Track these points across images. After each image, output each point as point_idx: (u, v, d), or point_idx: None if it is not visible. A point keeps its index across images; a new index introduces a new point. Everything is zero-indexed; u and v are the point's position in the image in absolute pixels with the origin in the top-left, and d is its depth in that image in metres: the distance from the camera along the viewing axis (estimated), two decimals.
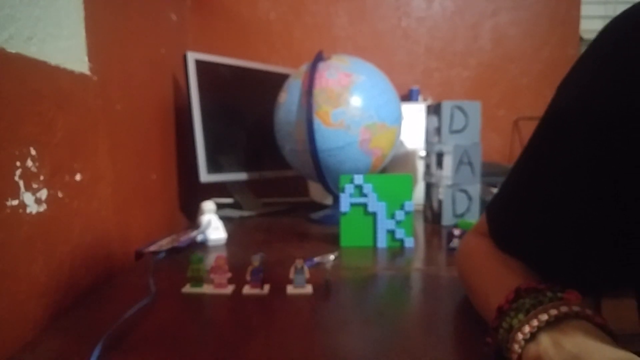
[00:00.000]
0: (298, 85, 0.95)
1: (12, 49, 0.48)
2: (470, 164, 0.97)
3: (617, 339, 0.30)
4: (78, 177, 0.61)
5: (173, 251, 0.75)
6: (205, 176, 1.03)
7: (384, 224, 0.81)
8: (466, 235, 0.53)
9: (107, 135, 0.71)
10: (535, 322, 0.31)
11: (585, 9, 1.39)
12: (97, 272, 0.65)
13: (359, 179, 0.81)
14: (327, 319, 0.48)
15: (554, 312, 0.31)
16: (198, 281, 0.57)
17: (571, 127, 0.34)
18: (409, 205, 0.80)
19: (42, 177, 0.52)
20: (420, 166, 1.18)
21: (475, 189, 0.98)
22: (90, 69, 0.65)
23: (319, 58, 0.96)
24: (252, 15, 1.35)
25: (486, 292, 0.42)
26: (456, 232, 0.76)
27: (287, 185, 1.34)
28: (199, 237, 0.82)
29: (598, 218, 0.33)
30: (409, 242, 0.81)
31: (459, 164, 0.96)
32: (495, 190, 1.05)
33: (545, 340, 0.30)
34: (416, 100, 1.31)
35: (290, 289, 0.56)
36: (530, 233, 0.40)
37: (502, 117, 1.41)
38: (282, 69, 1.24)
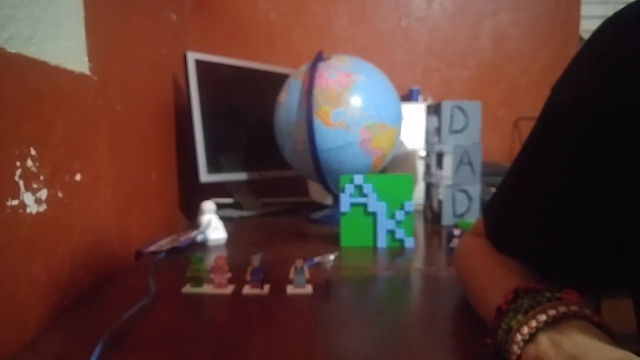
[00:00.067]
0: (298, 85, 0.95)
1: (12, 49, 0.48)
2: (470, 164, 0.97)
3: (616, 338, 0.30)
4: (78, 177, 0.61)
5: (173, 251, 0.75)
6: (205, 176, 1.03)
7: (384, 224, 0.81)
8: (464, 236, 0.53)
9: (107, 135, 0.71)
10: (533, 323, 0.31)
11: (585, 9, 1.39)
12: (97, 272, 0.65)
13: (359, 179, 0.81)
14: (327, 319, 0.48)
15: (552, 312, 0.31)
16: (198, 281, 0.57)
17: (567, 127, 0.34)
18: (409, 205, 0.80)
19: (42, 177, 0.52)
20: (420, 166, 1.18)
21: (475, 189, 0.98)
22: (90, 69, 0.66)
23: (319, 58, 0.96)
24: (252, 15, 1.35)
25: (485, 293, 0.42)
26: (456, 232, 0.76)
27: (287, 185, 1.34)
28: (199, 237, 0.82)
29: (594, 218, 0.33)
30: (409, 242, 0.81)
31: (459, 164, 0.96)
32: (495, 190, 1.05)
33: (544, 341, 0.30)
34: (416, 100, 1.31)
35: (290, 289, 0.56)
36: (527, 233, 0.40)
37: (502, 117, 1.41)
38: (282, 69, 1.24)
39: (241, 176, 1.13)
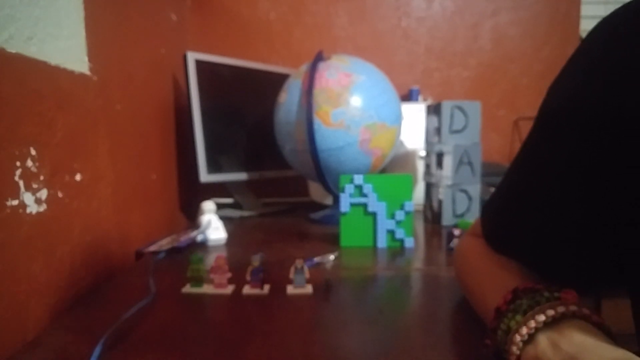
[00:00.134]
0: (298, 85, 0.95)
1: (12, 49, 0.48)
2: (470, 164, 0.97)
3: (615, 338, 0.30)
4: (78, 177, 0.61)
5: (173, 251, 0.75)
6: (205, 176, 1.03)
7: (384, 224, 0.81)
8: (463, 237, 0.53)
9: (107, 135, 0.71)
10: (532, 324, 0.31)
11: (585, 9, 1.39)
12: (97, 272, 0.65)
13: (359, 179, 0.81)
14: (327, 319, 0.48)
15: (551, 312, 0.31)
16: (198, 281, 0.57)
17: (564, 128, 0.34)
18: (409, 205, 0.80)
19: (42, 177, 0.52)
20: (420, 166, 1.18)
21: (475, 189, 0.98)
22: (90, 69, 0.66)
23: (319, 58, 0.96)
24: (252, 15, 1.35)
25: (484, 293, 0.42)
26: (456, 232, 0.76)
27: (287, 185, 1.34)
28: (199, 237, 0.82)
29: (591, 218, 0.33)
30: (409, 242, 0.81)
31: (459, 164, 0.96)
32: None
33: (542, 342, 0.30)
34: (416, 100, 1.31)
35: (290, 289, 0.56)
36: (525, 234, 0.40)
37: (502, 117, 1.41)
38: (282, 69, 1.24)
39: (241, 176, 1.13)
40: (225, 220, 0.93)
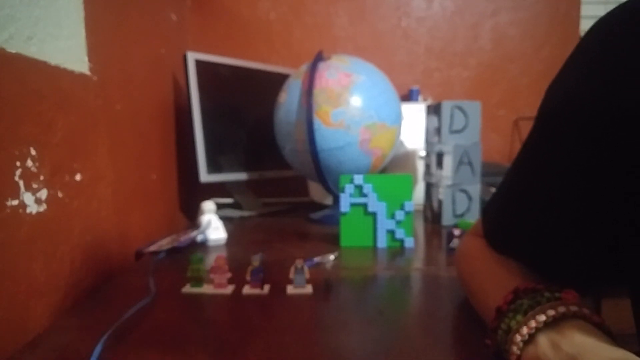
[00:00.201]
0: (298, 85, 0.95)
1: (12, 49, 0.48)
2: (470, 164, 0.97)
3: (616, 338, 0.30)
4: (78, 177, 0.61)
5: (173, 251, 0.75)
6: (205, 176, 1.03)
7: (384, 224, 0.81)
8: (464, 237, 0.53)
9: (107, 135, 0.71)
10: (533, 324, 0.31)
11: (585, 9, 1.39)
12: (97, 272, 0.65)
13: (359, 179, 0.81)
14: (327, 319, 0.48)
15: (551, 312, 0.31)
16: (198, 281, 0.57)
17: (563, 127, 0.34)
18: (409, 205, 0.80)
19: (42, 177, 0.52)
20: (420, 166, 1.18)
21: (475, 189, 0.98)
22: (90, 69, 0.66)
23: (319, 58, 0.96)
24: (252, 15, 1.35)
25: (485, 293, 0.42)
26: (456, 232, 0.76)
27: (287, 185, 1.34)
28: (199, 237, 0.82)
29: (591, 217, 0.33)
30: (409, 242, 0.81)
31: (459, 164, 0.96)
32: (494, 190, 1.05)
33: (543, 342, 0.30)
34: (416, 100, 1.31)
35: (290, 289, 0.56)
36: (525, 234, 0.40)
37: (502, 117, 1.41)
38: (282, 69, 1.24)
39: (241, 176, 1.13)
40: (225, 220, 0.93)
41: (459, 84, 1.40)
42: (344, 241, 0.82)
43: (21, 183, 0.48)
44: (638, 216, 0.30)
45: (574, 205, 0.34)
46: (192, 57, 1.02)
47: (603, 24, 0.33)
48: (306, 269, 0.57)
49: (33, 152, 0.51)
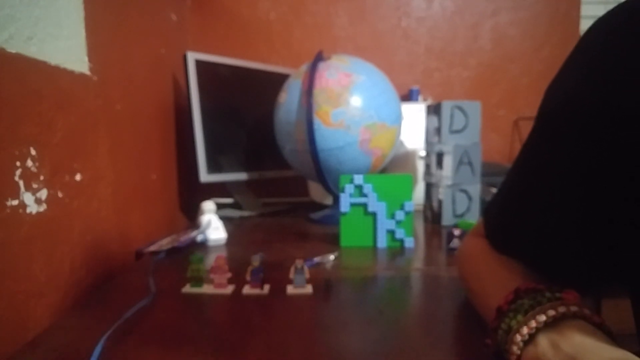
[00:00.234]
0: (298, 85, 0.95)
1: (12, 49, 0.48)
2: (470, 164, 0.97)
3: (616, 338, 0.30)
4: (78, 177, 0.61)
5: (173, 251, 0.75)
6: (205, 176, 1.03)
7: (384, 224, 0.81)
8: (466, 237, 0.53)
9: (107, 135, 0.71)
10: (533, 324, 0.31)
11: (585, 9, 1.39)
12: (97, 272, 0.65)
13: (359, 179, 0.81)
14: (327, 319, 0.48)
15: (551, 312, 0.31)
16: (198, 281, 0.57)
17: (563, 127, 0.34)
18: (409, 205, 0.80)
19: (42, 177, 0.52)
20: (420, 166, 1.18)
21: (475, 189, 0.98)
22: (90, 69, 0.66)
23: (319, 58, 0.96)
24: (252, 15, 1.35)
25: (486, 293, 0.42)
26: (456, 232, 0.76)
27: (287, 185, 1.34)
28: (199, 237, 0.82)
29: (592, 217, 0.33)
30: (409, 242, 0.81)
31: (459, 164, 0.96)
32: (495, 191, 1.05)
33: (543, 342, 0.30)
34: (416, 100, 1.31)
35: (290, 289, 0.56)
36: (526, 234, 0.40)
37: (502, 117, 1.41)
38: (282, 69, 1.24)
39: (241, 176, 1.13)
40: (225, 220, 0.93)
41: (459, 84, 1.40)
42: (344, 241, 0.82)
43: (21, 183, 0.48)
44: (638, 216, 0.30)
45: (574, 206, 0.34)
46: (192, 57, 1.02)
47: (602, 24, 0.33)
48: (306, 269, 0.57)
49: (33, 152, 0.51)
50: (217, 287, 0.57)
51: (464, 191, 0.98)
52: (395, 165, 1.16)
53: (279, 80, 1.11)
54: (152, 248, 0.77)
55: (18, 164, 0.48)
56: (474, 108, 0.97)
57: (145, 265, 0.68)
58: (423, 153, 1.16)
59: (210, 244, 0.82)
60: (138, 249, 0.78)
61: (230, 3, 1.34)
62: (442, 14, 1.37)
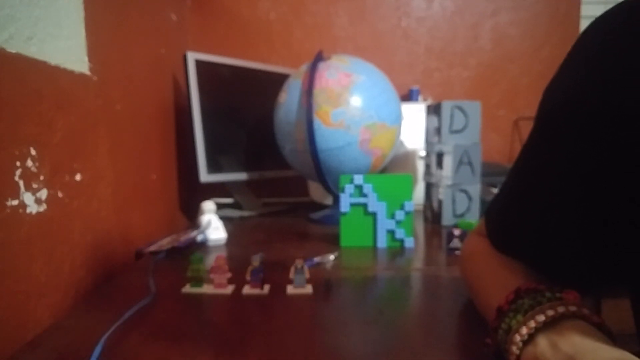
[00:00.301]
0: (298, 85, 0.95)
1: (12, 49, 0.48)
2: (470, 164, 0.97)
3: (615, 338, 0.30)
4: (78, 177, 0.61)
5: (173, 251, 0.75)
6: (205, 176, 1.03)
7: (384, 224, 0.81)
8: (469, 237, 0.53)
9: (107, 135, 0.71)
10: (532, 324, 0.31)
11: (585, 9, 1.39)
12: (97, 272, 0.65)
13: (359, 179, 0.81)
14: (327, 319, 0.48)
15: (550, 312, 0.31)
16: (198, 281, 0.57)
17: (563, 127, 0.34)
18: (409, 205, 0.80)
19: (42, 177, 0.52)
20: (420, 166, 1.18)
21: (475, 189, 0.98)
22: (90, 69, 0.66)
23: (319, 58, 0.96)
24: (252, 15, 1.35)
25: (488, 293, 0.42)
26: (456, 232, 0.76)
27: (287, 185, 1.34)
28: (199, 237, 0.82)
29: (592, 217, 0.33)
30: (409, 242, 0.81)
31: (459, 164, 0.96)
32: (495, 191, 1.05)
33: (542, 342, 0.30)
34: (416, 100, 1.31)
35: (290, 289, 0.56)
36: (527, 234, 0.40)
37: (502, 117, 1.41)
38: (282, 69, 1.24)
39: (241, 176, 1.13)
40: (225, 220, 0.93)
41: (459, 84, 1.40)
42: (344, 241, 0.82)
43: (21, 183, 0.48)
44: (638, 216, 0.30)
45: (574, 206, 0.34)
46: (192, 57, 1.02)
47: (601, 23, 0.33)
48: (306, 269, 0.57)
49: (33, 152, 0.51)
50: (217, 287, 0.57)
51: (464, 191, 0.98)
52: (395, 165, 1.16)
53: (279, 80, 1.11)
54: (152, 248, 0.77)
55: (18, 164, 0.48)
56: (474, 108, 0.97)
57: (145, 265, 0.68)
58: (423, 153, 1.16)
59: (210, 244, 0.82)
60: (138, 249, 0.78)
61: (230, 3, 1.34)
62: (442, 14, 1.37)
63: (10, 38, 0.47)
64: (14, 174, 0.48)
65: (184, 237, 0.81)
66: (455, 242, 0.76)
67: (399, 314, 0.50)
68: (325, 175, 0.96)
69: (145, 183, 0.87)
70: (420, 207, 1.15)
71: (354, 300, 0.54)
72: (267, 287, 0.57)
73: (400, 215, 0.81)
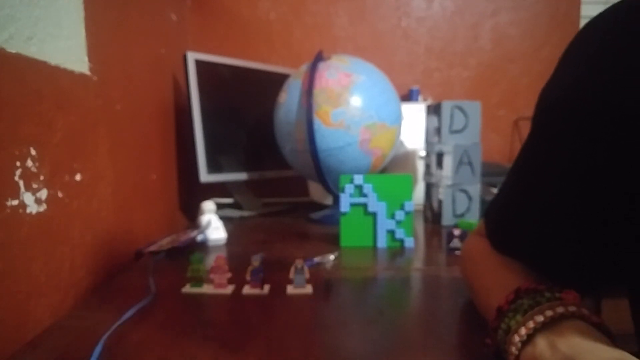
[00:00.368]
0: (298, 85, 0.95)
1: (12, 49, 0.48)
2: (470, 164, 0.97)
3: (615, 338, 0.30)
4: (78, 177, 0.61)
5: (173, 251, 0.75)
6: (205, 176, 1.03)
7: (384, 224, 0.81)
8: (469, 237, 0.53)
9: (107, 135, 0.71)
10: (531, 324, 0.31)
11: (585, 9, 1.39)
12: (97, 272, 0.65)
13: (359, 179, 0.81)
14: (327, 319, 0.48)
15: (549, 313, 0.31)
16: (198, 281, 0.57)
17: (561, 126, 0.34)
18: (409, 205, 0.80)
19: (42, 177, 0.52)
20: (420, 166, 1.18)
21: (475, 189, 0.98)
22: (90, 69, 0.66)
23: (319, 58, 0.96)
24: (252, 15, 1.35)
25: (487, 293, 0.42)
26: (456, 232, 0.76)
27: (287, 185, 1.34)
28: (199, 237, 0.82)
29: (591, 216, 0.33)
30: (409, 242, 0.81)
31: (459, 164, 0.96)
32: (495, 191, 1.05)
33: (541, 343, 0.30)
34: (416, 100, 1.31)
35: (290, 289, 0.56)
36: (526, 234, 0.40)
37: (502, 117, 1.41)
38: (282, 69, 1.24)
39: (241, 176, 1.13)
40: (225, 220, 0.93)
41: (459, 84, 1.40)
42: (344, 241, 0.82)
43: (21, 183, 0.48)
44: (637, 216, 0.30)
45: (573, 205, 0.34)
46: (192, 57, 1.02)
47: (599, 22, 0.33)
48: (306, 269, 0.57)
49: (33, 152, 0.51)
50: (217, 287, 0.57)
51: (464, 191, 0.98)
52: (395, 165, 1.16)
53: (279, 80, 1.11)
54: (152, 248, 0.77)
55: (18, 164, 0.48)
56: (474, 108, 0.97)
57: (145, 265, 0.68)
58: (423, 153, 1.16)
59: (210, 244, 0.82)
60: (138, 249, 0.78)
61: (230, 3, 1.34)
62: (442, 14, 1.37)
63: (10, 38, 0.47)
64: (14, 174, 0.48)
65: (184, 237, 0.81)
66: (455, 242, 0.76)
67: (399, 314, 0.50)
68: (325, 175, 0.96)
69: (145, 183, 0.87)
70: (420, 207, 1.15)
71: (354, 300, 0.54)
72: (267, 287, 0.57)
73: (400, 215, 0.81)
